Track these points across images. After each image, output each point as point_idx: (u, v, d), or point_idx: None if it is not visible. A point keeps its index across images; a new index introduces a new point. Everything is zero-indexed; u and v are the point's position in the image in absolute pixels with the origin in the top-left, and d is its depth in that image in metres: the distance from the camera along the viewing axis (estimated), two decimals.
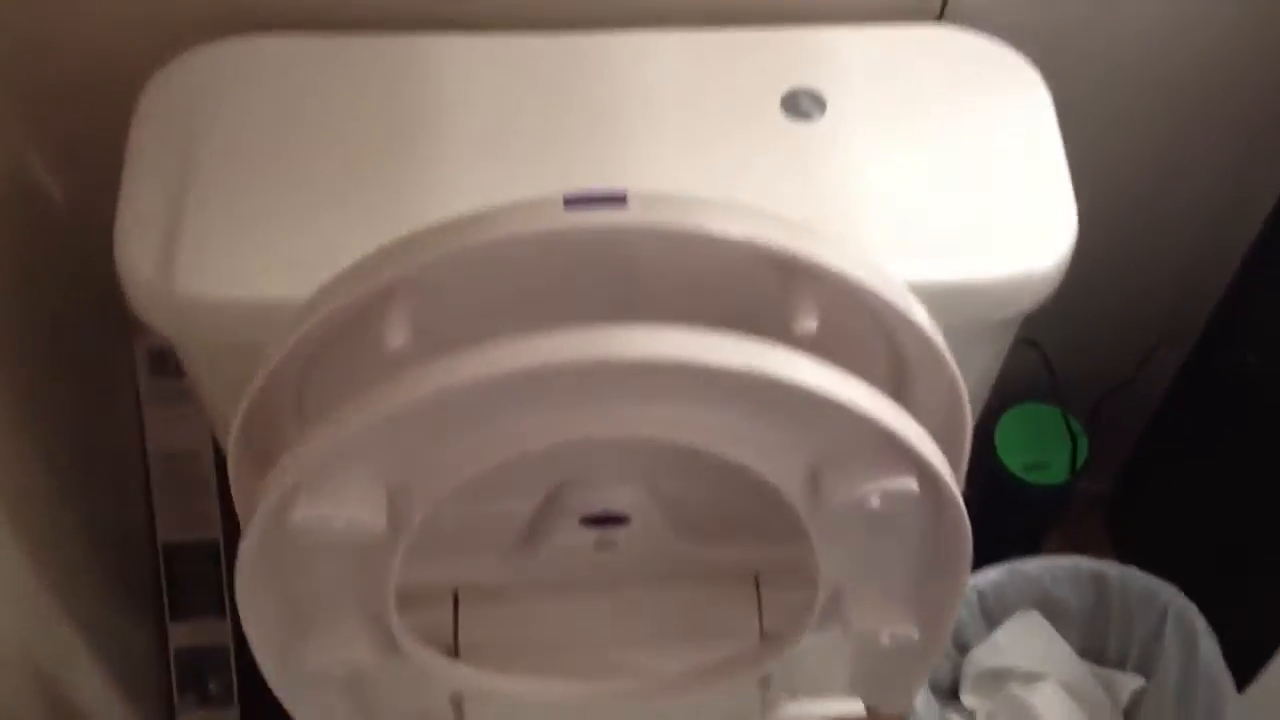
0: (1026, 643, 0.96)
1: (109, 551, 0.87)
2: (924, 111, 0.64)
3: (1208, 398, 0.98)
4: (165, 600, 0.91)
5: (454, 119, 0.63)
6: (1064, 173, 0.63)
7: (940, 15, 0.70)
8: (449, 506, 0.52)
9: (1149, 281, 0.94)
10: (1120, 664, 0.99)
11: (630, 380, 0.47)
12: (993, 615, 0.98)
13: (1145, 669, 0.97)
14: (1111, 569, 0.96)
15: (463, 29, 0.66)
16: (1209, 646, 0.91)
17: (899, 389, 0.56)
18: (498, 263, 0.47)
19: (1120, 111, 0.80)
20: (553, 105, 0.63)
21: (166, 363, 0.86)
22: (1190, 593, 0.95)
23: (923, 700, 0.93)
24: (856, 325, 0.51)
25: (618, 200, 0.43)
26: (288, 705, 0.64)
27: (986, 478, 0.98)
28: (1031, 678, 0.96)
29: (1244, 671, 0.90)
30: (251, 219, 0.59)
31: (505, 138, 0.62)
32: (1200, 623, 0.92)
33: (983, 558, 0.57)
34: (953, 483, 0.53)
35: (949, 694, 0.99)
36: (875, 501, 0.52)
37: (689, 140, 0.63)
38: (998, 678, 0.97)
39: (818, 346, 0.48)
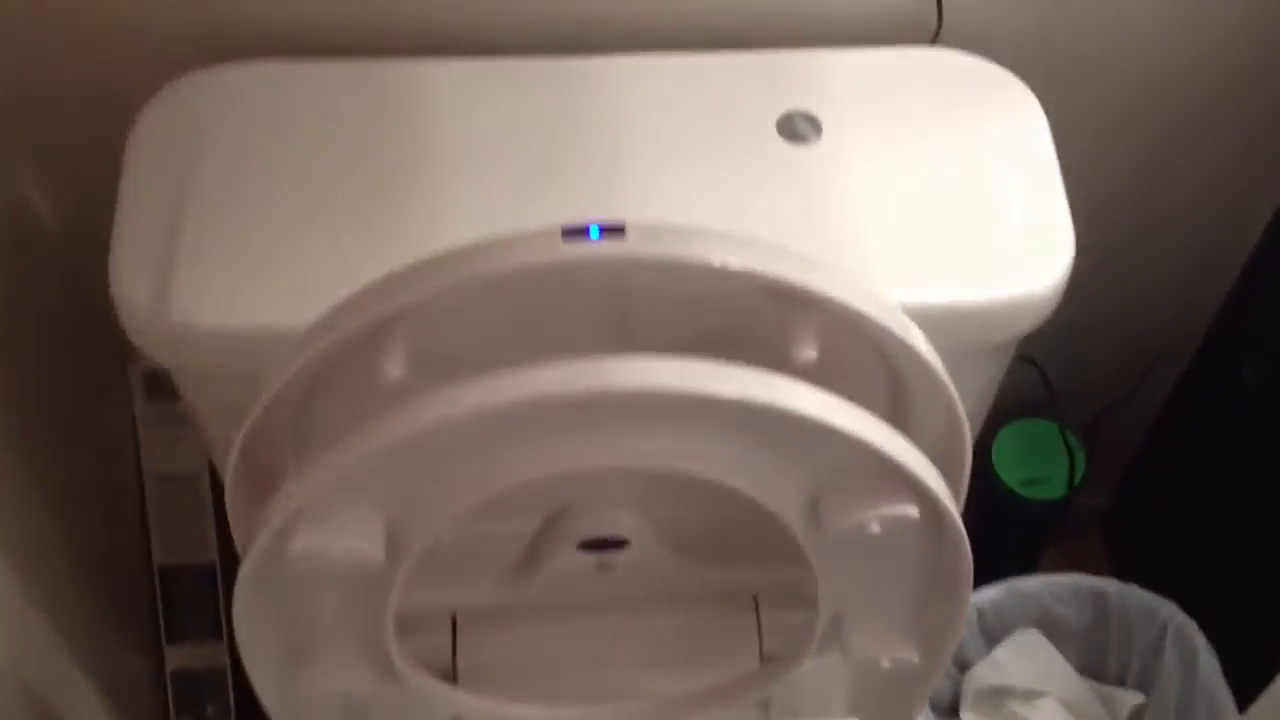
0: (1026, 660, 0.96)
1: (104, 574, 0.87)
2: (920, 134, 0.64)
3: (1205, 412, 0.98)
4: (161, 623, 0.91)
5: (450, 143, 0.63)
6: (1060, 194, 0.63)
7: (935, 38, 0.70)
8: (448, 531, 0.52)
9: (1146, 297, 0.95)
10: (1120, 681, 0.98)
11: (630, 410, 0.47)
12: (992, 633, 0.97)
13: (1145, 686, 0.97)
14: (1110, 586, 0.96)
15: (457, 53, 0.65)
16: (1208, 663, 0.91)
17: (898, 413, 0.56)
18: (495, 292, 0.47)
19: (1115, 130, 0.80)
20: (548, 129, 0.63)
21: (162, 386, 0.85)
22: (1189, 608, 0.94)
23: (923, 719, 0.93)
24: (855, 351, 0.51)
25: (616, 231, 0.43)
26: None
27: (984, 494, 0.98)
28: (1031, 695, 0.96)
29: (1243, 687, 0.90)
30: (247, 246, 0.59)
31: (501, 162, 0.62)
32: (1200, 639, 0.92)
33: (981, 574, 0.56)
34: (953, 508, 0.53)
35: (949, 712, 0.99)
36: (875, 528, 0.52)
37: (685, 164, 0.63)
38: (998, 696, 0.97)
39: (817, 373, 0.48)
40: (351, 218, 0.60)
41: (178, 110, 0.63)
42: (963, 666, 0.98)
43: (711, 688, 0.66)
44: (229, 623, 0.55)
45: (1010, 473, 0.99)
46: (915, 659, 0.62)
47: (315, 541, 0.50)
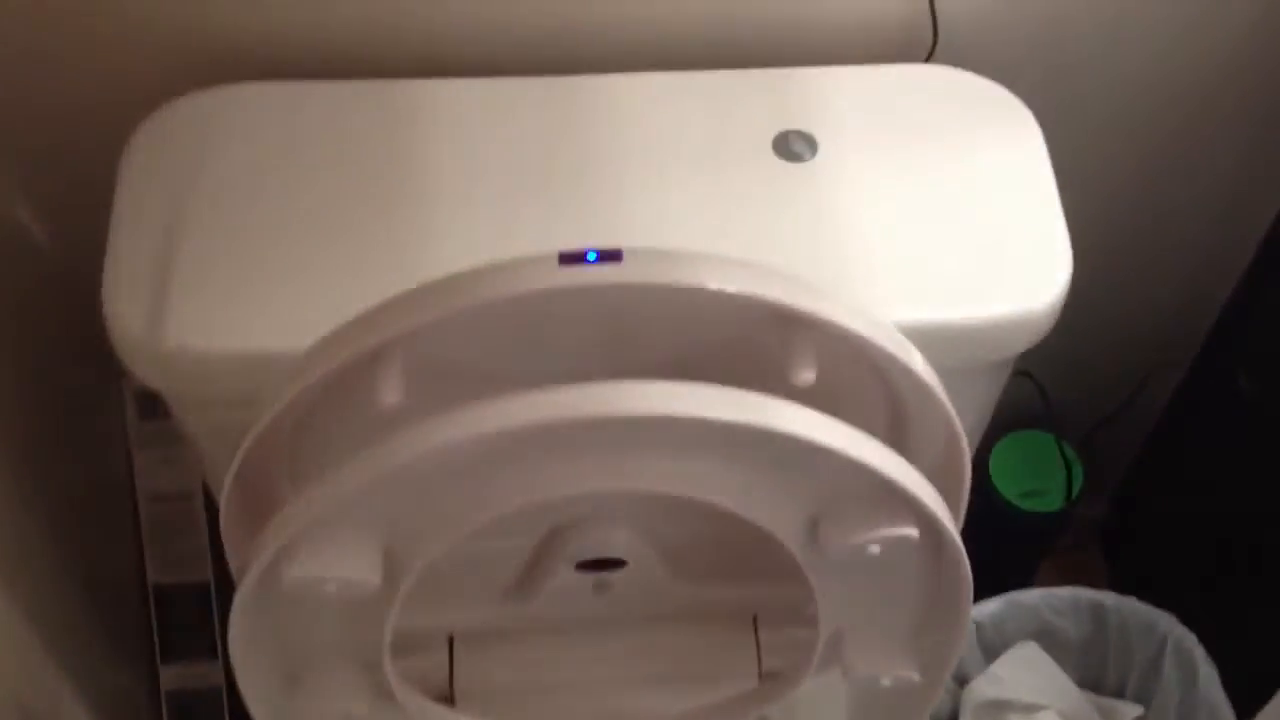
0: (1025, 674, 0.96)
1: (98, 593, 0.86)
2: (916, 151, 0.64)
3: (1202, 423, 0.98)
4: (156, 642, 0.91)
5: (448, 164, 0.63)
6: (1057, 211, 0.63)
7: (930, 55, 0.70)
8: (444, 555, 0.52)
9: (1141, 309, 0.95)
10: (1119, 694, 0.98)
11: (627, 435, 0.47)
12: (991, 647, 0.97)
13: (1144, 699, 0.97)
14: (1109, 599, 0.95)
15: (454, 74, 0.65)
16: (1208, 676, 0.91)
17: (897, 432, 0.55)
18: (493, 316, 0.47)
19: (1109, 144, 0.80)
20: (545, 149, 0.63)
21: (156, 405, 0.85)
22: (1187, 619, 0.94)
23: None
24: (854, 372, 0.51)
25: (613, 257, 0.42)
26: None
27: (982, 506, 0.97)
28: (1031, 709, 0.96)
29: (1243, 699, 0.90)
30: (241, 269, 0.59)
31: (497, 182, 0.62)
32: (1199, 652, 0.92)
33: (979, 586, 0.56)
34: (953, 529, 0.53)
35: None
36: (875, 549, 0.52)
37: (681, 183, 0.62)
38: (997, 709, 0.96)
39: (815, 395, 0.48)
40: (348, 240, 0.60)
41: (172, 132, 0.63)
42: (961, 680, 0.98)
43: (710, 707, 0.66)
44: (224, 642, 0.54)
45: (1008, 485, 0.99)
46: (916, 677, 0.62)
47: (311, 569, 0.49)
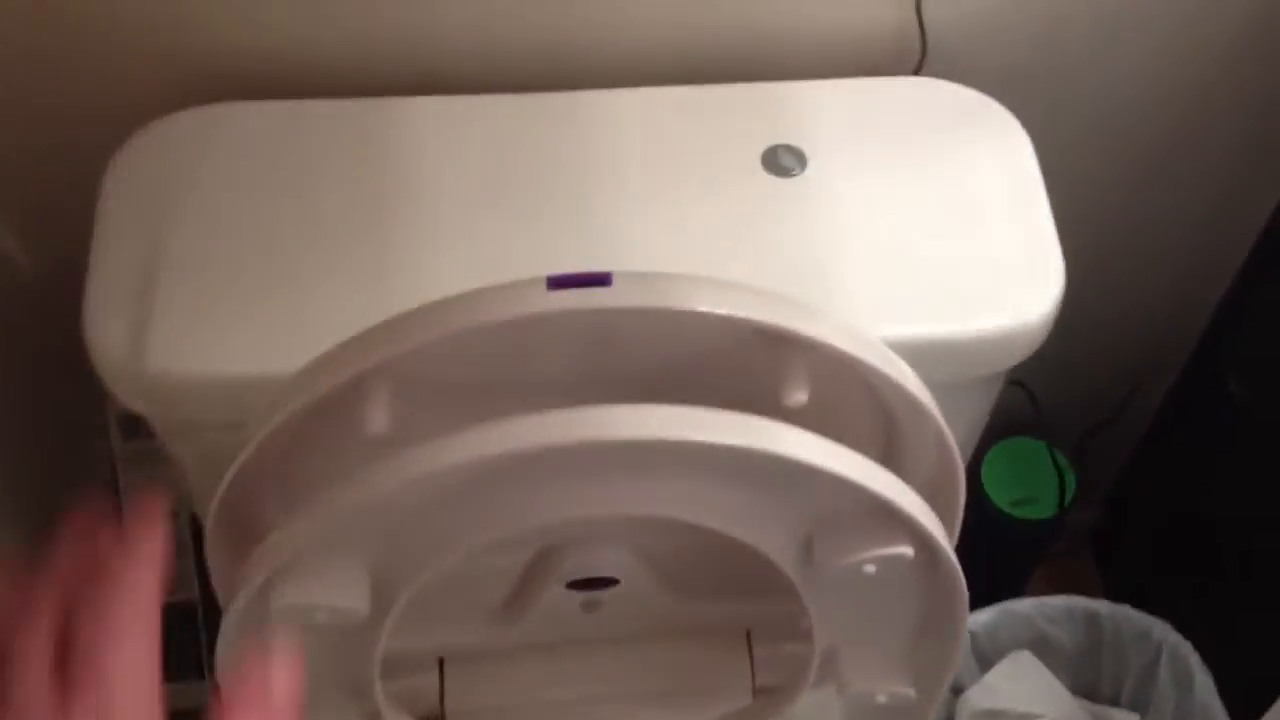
0: (1020, 683, 0.96)
1: None
2: (906, 164, 0.63)
3: (1194, 428, 0.97)
4: None
5: (433, 182, 0.62)
6: (1049, 223, 0.62)
7: (919, 67, 0.69)
8: (433, 580, 0.51)
9: (1132, 315, 0.94)
10: (1114, 702, 0.98)
11: (619, 459, 0.46)
12: (986, 656, 0.97)
13: (1139, 707, 0.96)
14: (1104, 607, 0.95)
15: (439, 91, 0.65)
16: (1204, 683, 0.91)
17: (890, 449, 0.55)
18: (481, 340, 0.46)
19: (1099, 153, 0.80)
20: (531, 166, 0.62)
21: (139, 426, 0.84)
22: (1181, 625, 0.94)
23: None
24: (846, 391, 0.50)
25: (602, 281, 0.42)
26: None
27: (973, 514, 0.96)
28: (1026, 718, 0.96)
29: (1238, 704, 0.90)
30: (223, 293, 0.58)
31: (483, 201, 0.61)
32: (1194, 659, 0.91)
33: (972, 596, 0.56)
34: (948, 546, 0.52)
35: None
36: (870, 568, 0.52)
37: (670, 198, 0.62)
38: (992, 719, 0.96)
39: (809, 413, 0.47)
40: (333, 262, 0.59)
41: (154, 153, 0.62)
42: (956, 690, 0.98)
43: None
44: (211, 661, 0.54)
45: (999, 493, 0.98)
46: (911, 693, 0.62)
47: (298, 597, 0.49)
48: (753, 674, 0.67)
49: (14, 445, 0.76)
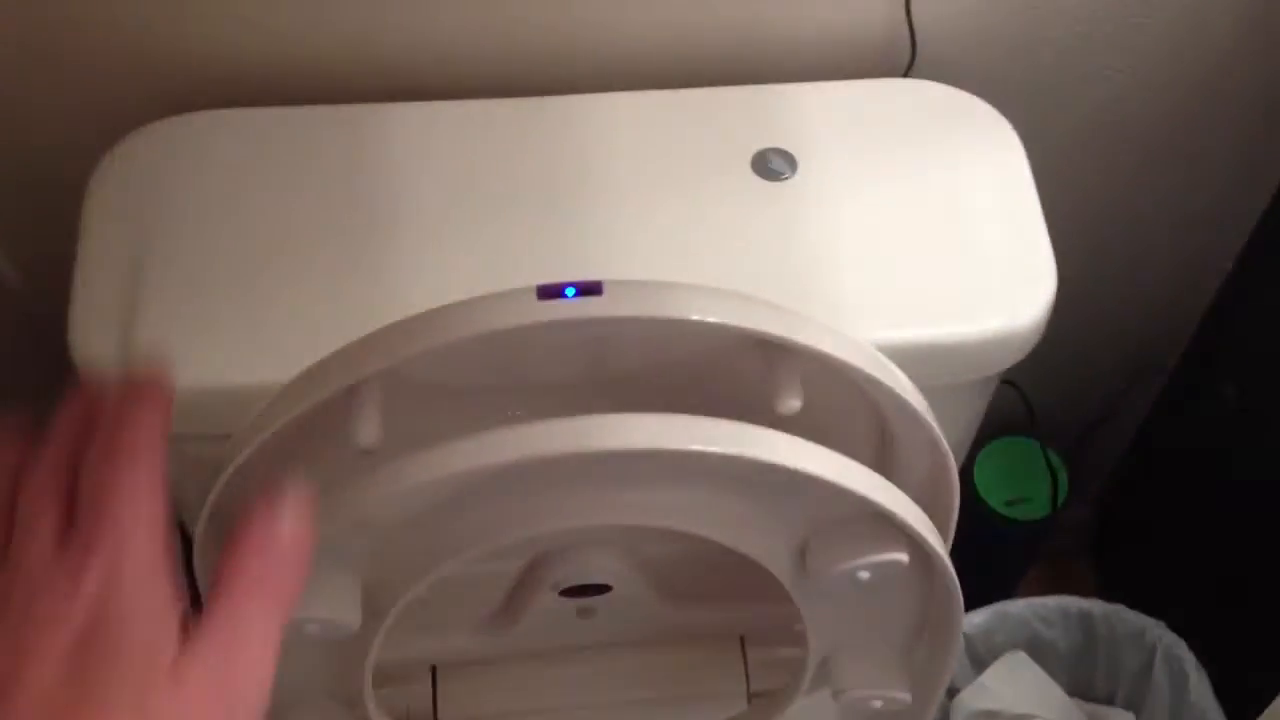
0: (1014, 684, 0.96)
1: None
2: (897, 167, 0.63)
3: (1187, 428, 0.98)
4: None
5: (418, 189, 0.61)
6: (1040, 224, 0.62)
7: (909, 69, 0.69)
8: (425, 591, 0.51)
9: (1125, 314, 0.94)
10: (1109, 702, 0.98)
11: (611, 468, 0.46)
12: (980, 658, 0.97)
13: (1134, 707, 0.97)
14: (1098, 608, 0.95)
15: (426, 97, 0.64)
16: (1199, 683, 0.91)
17: (884, 455, 0.55)
18: (471, 350, 0.46)
19: (1091, 153, 0.80)
20: (519, 171, 0.62)
21: None
22: (1175, 624, 0.94)
23: None
24: (840, 397, 0.50)
25: (593, 290, 0.41)
26: None
27: (966, 515, 0.97)
28: (1021, 719, 0.95)
29: (1234, 703, 0.90)
30: (209, 304, 0.57)
31: (471, 207, 0.61)
32: (1190, 659, 0.91)
33: (966, 597, 0.56)
34: (943, 552, 0.52)
35: None
36: (865, 575, 0.51)
37: (659, 203, 0.61)
38: None
39: (802, 419, 0.47)
40: (320, 271, 0.58)
41: (137, 162, 0.61)
42: (951, 692, 0.98)
43: None
44: None
45: (993, 494, 0.98)
46: (907, 698, 0.61)
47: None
48: (747, 679, 0.67)
49: None
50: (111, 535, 0.31)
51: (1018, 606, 0.96)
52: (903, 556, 0.51)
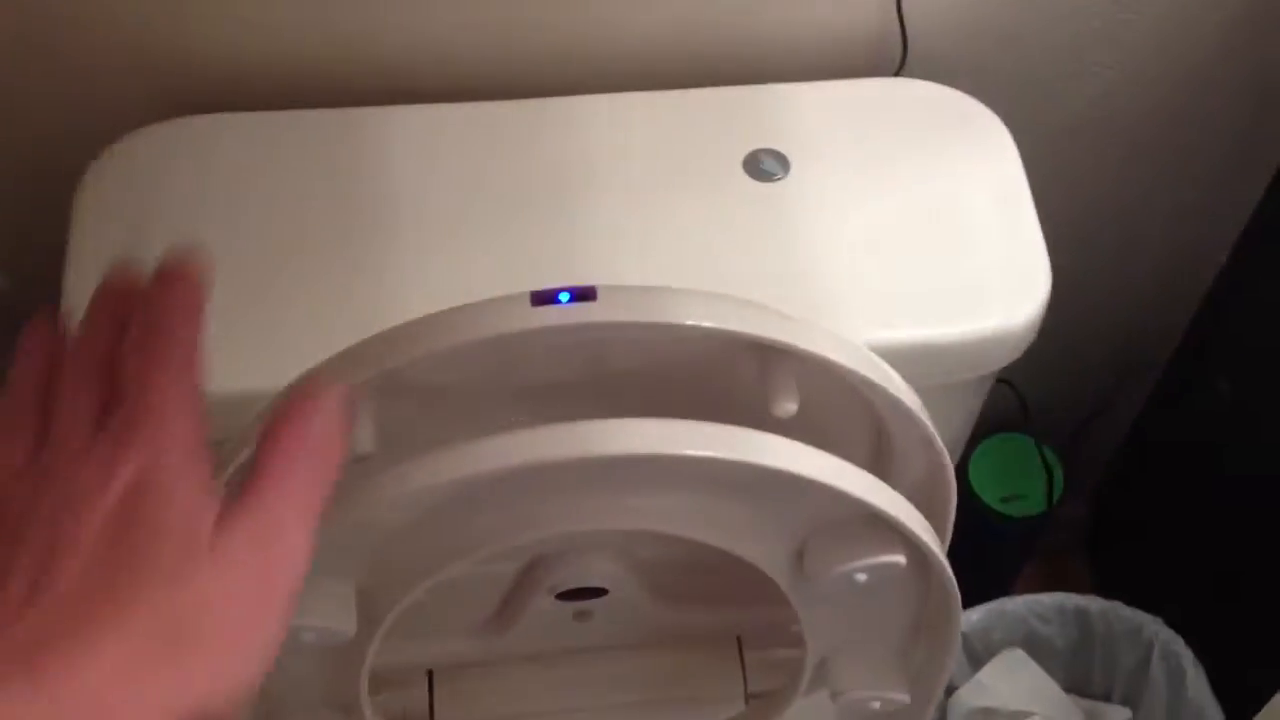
0: (1011, 681, 0.96)
1: None
2: (889, 167, 0.63)
3: (1182, 424, 0.97)
4: None
5: (416, 192, 0.61)
6: (1034, 223, 0.62)
7: (901, 68, 0.69)
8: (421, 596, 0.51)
9: (1119, 310, 0.94)
10: (1106, 698, 0.98)
11: (608, 473, 0.46)
12: (977, 655, 0.97)
13: (1131, 703, 0.97)
14: (1094, 604, 0.95)
15: (419, 100, 0.64)
16: (1196, 678, 0.91)
17: (880, 457, 0.55)
18: (465, 355, 0.45)
19: (1083, 151, 0.80)
20: (512, 173, 0.62)
21: None
22: (1172, 619, 0.94)
23: None
24: (836, 399, 0.50)
25: (587, 296, 0.41)
26: None
27: (962, 512, 0.96)
28: (1018, 716, 0.95)
29: (1231, 699, 0.90)
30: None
31: (466, 209, 0.61)
32: (1187, 655, 0.91)
33: (962, 594, 0.56)
34: (940, 553, 0.52)
35: None
36: (862, 577, 0.51)
37: (651, 204, 0.61)
38: (984, 717, 0.96)
39: (798, 422, 0.47)
40: (314, 276, 0.58)
41: (125, 168, 0.61)
42: (948, 690, 0.97)
43: None
44: None
45: (988, 491, 0.98)
46: (905, 699, 0.61)
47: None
48: (745, 681, 0.67)
49: None
50: (154, 414, 0.31)
51: (1014, 604, 0.96)
52: (900, 558, 0.51)
